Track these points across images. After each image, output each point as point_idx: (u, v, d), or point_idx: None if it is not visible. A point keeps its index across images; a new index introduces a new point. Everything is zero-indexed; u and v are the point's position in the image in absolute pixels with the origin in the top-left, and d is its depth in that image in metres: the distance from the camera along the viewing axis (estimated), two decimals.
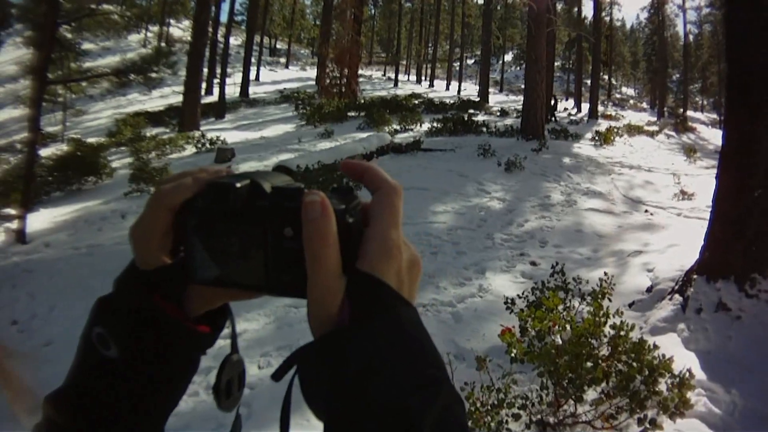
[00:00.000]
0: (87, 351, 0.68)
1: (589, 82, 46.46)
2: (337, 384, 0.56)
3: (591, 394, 5.19)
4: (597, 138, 24.13)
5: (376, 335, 0.57)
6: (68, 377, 0.69)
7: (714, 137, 33.03)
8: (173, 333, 0.68)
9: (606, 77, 66.68)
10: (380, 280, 0.59)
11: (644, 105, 68.86)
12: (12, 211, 13.70)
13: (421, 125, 25.51)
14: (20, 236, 12.68)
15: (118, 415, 0.67)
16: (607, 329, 5.21)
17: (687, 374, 5.10)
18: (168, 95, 39.81)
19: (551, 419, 5.17)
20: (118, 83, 17.70)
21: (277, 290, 0.64)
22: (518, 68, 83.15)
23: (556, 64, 56.74)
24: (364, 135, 20.99)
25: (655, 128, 33.64)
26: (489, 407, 4.95)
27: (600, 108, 41.38)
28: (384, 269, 0.60)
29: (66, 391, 0.68)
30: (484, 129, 23.96)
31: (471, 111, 32.45)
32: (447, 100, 39.08)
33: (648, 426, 4.73)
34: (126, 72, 16.93)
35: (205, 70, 36.54)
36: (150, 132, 26.51)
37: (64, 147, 20.44)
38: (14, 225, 13.11)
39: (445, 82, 66.81)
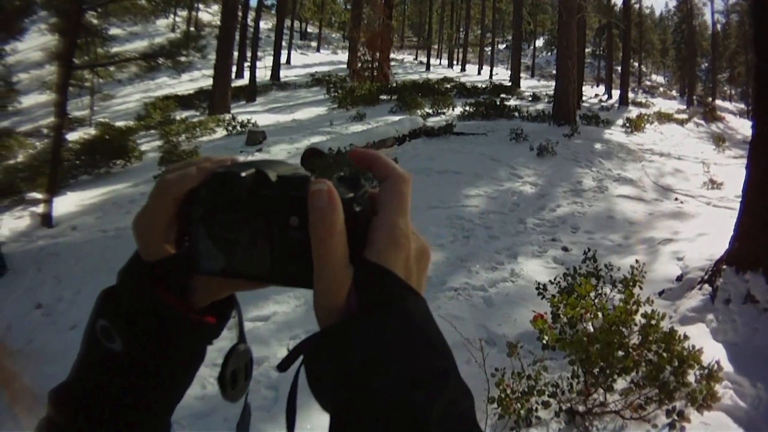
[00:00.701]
0: (91, 344, 0.67)
1: (619, 68, 46.02)
2: (342, 376, 0.55)
3: (620, 384, 5.13)
4: (628, 125, 23.74)
5: (383, 326, 0.55)
6: (72, 371, 0.68)
7: (742, 127, 32.56)
8: (177, 325, 0.67)
9: (636, 64, 66.05)
10: (388, 270, 0.58)
11: (674, 93, 67.98)
12: (38, 195, 13.79)
13: (453, 109, 25.12)
14: (46, 220, 12.69)
15: (123, 408, 0.66)
16: (638, 318, 5.16)
17: (715, 366, 5.02)
18: (198, 79, 39.26)
19: (580, 408, 5.12)
20: (146, 67, 17.46)
21: (283, 280, 0.63)
22: (549, 54, 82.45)
23: (586, 50, 56.24)
24: (396, 118, 20.72)
25: (684, 116, 32.96)
26: (519, 394, 4.93)
27: (630, 95, 40.87)
28: (392, 259, 0.59)
29: (70, 384, 0.68)
30: (516, 113, 23.55)
31: (503, 95, 31.99)
32: (479, 85, 38.52)
33: (676, 418, 4.67)
34: (154, 56, 16.82)
35: (235, 54, 36.47)
36: (180, 115, 26.22)
37: (91, 131, 20.37)
38: (40, 209, 13.13)
39: (477, 66, 66.37)
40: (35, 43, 35.09)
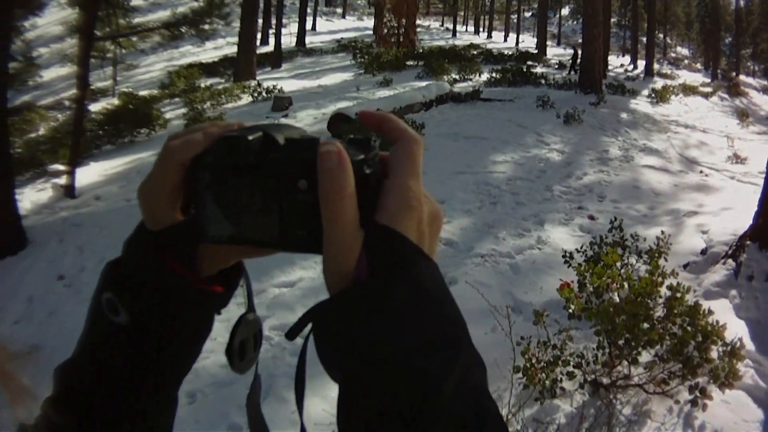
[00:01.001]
0: (96, 318, 0.64)
1: (644, 39, 45.50)
2: (351, 344, 0.52)
3: (644, 357, 5.03)
4: (653, 95, 23.42)
5: (394, 291, 0.52)
6: (77, 347, 0.66)
7: (765, 103, 32.19)
8: (184, 294, 0.63)
9: (661, 36, 65.25)
10: (400, 234, 0.55)
11: (698, 66, 66.97)
12: (60, 167, 13.55)
13: (479, 75, 24.92)
14: (69, 191, 12.45)
15: (129, 382, 0.63)
16: (663, 290, 5.05)
17: (738, 344, 4.89)
18: (222, 46, 38.67)
19: (605, 380, 5.03)
20: (169, 37, 17.00)
21: (292, 246, 0.60)
22: (575, 22, 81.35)
23: (612, 20, 55.62)
24: (423, 84, 20.44)
25: (708, 89, 32.43)
26: (545, 364, 4.85)
27: (655, 66, 40.33)
28: (404, 222, 0.55)
29: (75, 361, 0.65)
30: (543, 81, 23.31)
31: (529, 63, 31.71)
32: (505, 52, 38.06)
33: (698, 394, 4.58)
34: (177, 25, 16.47)
35: (260, 21, 35.93)
36: (204, 83, 25.79)
37: (114, 101, 20.02)
38: (62, 181, 12.89)
39: (503, 33, 65.85)
40: (55, 17, 34.57)
